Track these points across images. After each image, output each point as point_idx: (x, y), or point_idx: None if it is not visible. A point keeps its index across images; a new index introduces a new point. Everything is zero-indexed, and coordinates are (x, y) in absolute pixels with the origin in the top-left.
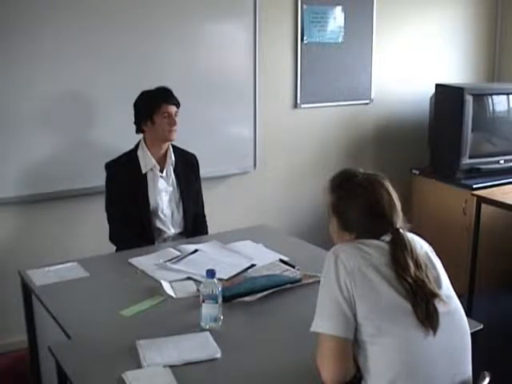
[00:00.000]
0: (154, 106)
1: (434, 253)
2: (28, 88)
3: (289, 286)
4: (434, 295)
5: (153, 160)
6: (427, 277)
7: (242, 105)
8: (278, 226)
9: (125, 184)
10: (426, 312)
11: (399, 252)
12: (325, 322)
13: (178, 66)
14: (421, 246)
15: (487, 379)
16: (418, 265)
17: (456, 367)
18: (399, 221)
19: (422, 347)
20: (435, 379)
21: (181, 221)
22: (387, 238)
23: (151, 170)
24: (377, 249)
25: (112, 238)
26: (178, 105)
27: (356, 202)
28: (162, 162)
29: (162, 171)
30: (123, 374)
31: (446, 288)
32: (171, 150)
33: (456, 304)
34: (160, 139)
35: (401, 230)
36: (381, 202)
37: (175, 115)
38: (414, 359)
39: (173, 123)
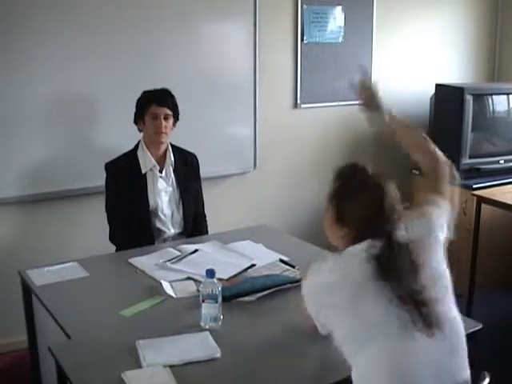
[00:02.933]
0: (144, 107)
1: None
2: (28, 88)
3: (289, 285)
4: (430, 301)
5: (152, 160)
6: (422, 281)
7: (242, 105)
8: (277, 226)
9: (124, 184)
10: (424, 318)
11: (391, 259)
12: None
13: (178, 65)
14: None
15: (487, 379)
16: (413, 270)
17: (454, 372)
18: (396, 224)
19: (415, 354)
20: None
21: (181, 221)
22: (378, 242)
23: (151, 170)
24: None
25: (112, 238)
26: (171, 108)
27: (358, 196)
28: (161, 162)
29: (161, 171)
30: (123, 373)
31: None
32: (171, 150)
33: (455, 308)
34: (150, 140)
35: (395, 234)
36: (382, 203)
37: (165, 118)
38: (406, 369)
39: (158, 126)
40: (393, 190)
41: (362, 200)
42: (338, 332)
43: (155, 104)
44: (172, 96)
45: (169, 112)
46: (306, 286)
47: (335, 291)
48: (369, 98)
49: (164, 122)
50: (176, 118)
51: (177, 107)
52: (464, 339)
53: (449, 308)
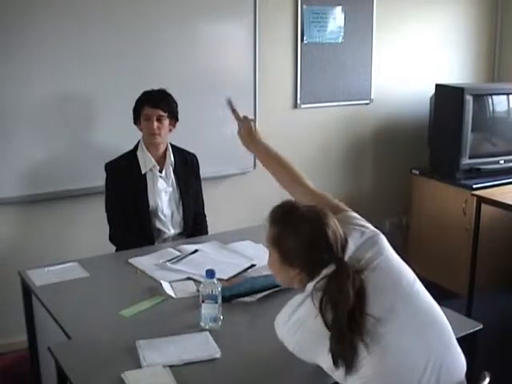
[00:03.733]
0: (138, 108)
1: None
2: (28, 88)
3: None
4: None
5: (152, 160)
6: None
7: (242, 105)
8: None
9: (124, 184)
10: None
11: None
12: None
13: (178, 65)
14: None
15: (487, 379)
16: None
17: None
18: (343, 252)
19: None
20: None
21: (180, 221)
22: (329, 269)
23: (151, 170)
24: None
25: (112, 239)
26: (166, 109)
27: (300, 234)
28: (161, 162)
29: (161, 171)
30: (123, 374)
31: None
32: (170, 150)
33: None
34: (147, 141)
35: (344, 263)
36: (327, 231)
37: (159, 120)
38: None
39: (151, 127)
40: (331, 219)
41: (305, 236)
42: (323, 364)
43: (148, 105)
44: (169, 97)
45: (162, 113)
46: (280, 328)
47: (307, 326)
48: (247, 133)
49: (157, 124)
50: (174, 118)
51: (173, 108)
52: (452, 335)
53: (418, 298)
